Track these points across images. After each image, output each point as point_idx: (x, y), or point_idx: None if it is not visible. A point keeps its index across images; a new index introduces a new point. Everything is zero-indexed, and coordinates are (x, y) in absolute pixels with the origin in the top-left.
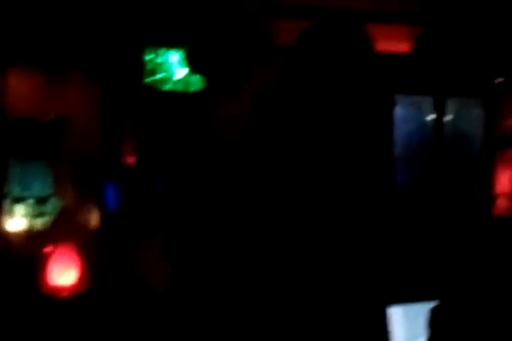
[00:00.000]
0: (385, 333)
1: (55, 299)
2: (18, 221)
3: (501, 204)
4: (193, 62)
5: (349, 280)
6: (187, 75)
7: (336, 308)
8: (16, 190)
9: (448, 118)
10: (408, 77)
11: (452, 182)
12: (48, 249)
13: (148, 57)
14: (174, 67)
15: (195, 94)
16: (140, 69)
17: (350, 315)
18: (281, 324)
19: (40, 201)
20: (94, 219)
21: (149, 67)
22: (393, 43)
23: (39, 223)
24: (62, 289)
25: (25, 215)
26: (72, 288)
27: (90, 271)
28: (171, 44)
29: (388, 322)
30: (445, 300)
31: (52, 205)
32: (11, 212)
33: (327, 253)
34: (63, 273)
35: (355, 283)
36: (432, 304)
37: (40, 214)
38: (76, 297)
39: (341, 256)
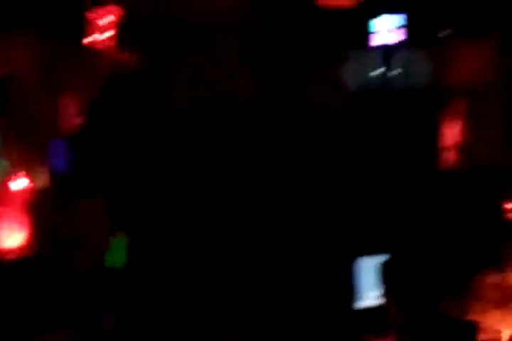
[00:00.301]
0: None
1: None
2: None
3: (448, 157)
4: None
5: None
6: None
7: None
8: None
9: (396, 71)
10: (356, 32)
11: (400, 135)
12: None
13: None
14: None
15: None
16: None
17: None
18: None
19: None
20: (41, 179)
21: None
22: None
23: None
24: (9, 251)
25: None
26: (19, 250)
27: (37, 233)
28: None
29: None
30: (395, 255)
31: (1, 166)
32: None
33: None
34: (10, 235)
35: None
36: (381, 258)
37: None
38: (23, 259)
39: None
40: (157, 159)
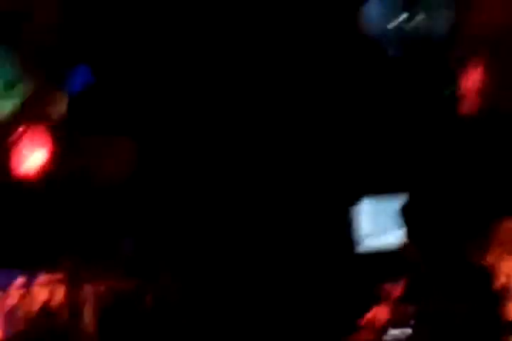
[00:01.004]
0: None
1: (25, 180)
2: None
3: (469, 102)
4: None
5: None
6: None
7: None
8: None
9: (419, 17)
10: None
11: (419, 80)
12: (17, 132)
13: None
14: None
15: None
16: None
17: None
18: None
19: (8, 85)
20: (60, 102)
21: None
22: None
23: (7, 107)
24: (32, 170)
25: None
26: (42, 169)
27: (58, 153)
28: None
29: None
30: (415, 196)
31: (20, 89)
32: None
33: None
34: (33, 155)
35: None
36: (398, 198)
37: (8, 98)
38: (44, 178)
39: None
40: None
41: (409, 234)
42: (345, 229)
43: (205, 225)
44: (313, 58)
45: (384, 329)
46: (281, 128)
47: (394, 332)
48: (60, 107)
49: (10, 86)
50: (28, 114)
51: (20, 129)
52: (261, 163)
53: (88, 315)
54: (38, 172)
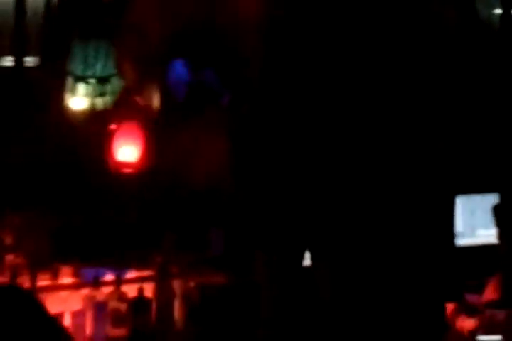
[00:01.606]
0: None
1: (119, 174)
2: (80, 100)
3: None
4: None
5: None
6: None
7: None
8: (78, 69)
9: None
10: None
11: None
12: (111, 127)
13: None
14: None
15: None
16: None
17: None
18: None
19: (102, 80)
20: (155, 99)
21: None
22: None
23: (101, 103)
24: (127, 165)
25: (87, 94)
26: (136, 164)
27: (152, 148)
28: None
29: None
30: (507, 195)
31: (114, 85)
32: (73, 91)
33: None
34: (127, 150)
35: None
36: (491, 196)
37: (102, 94)
38: (139, 173)
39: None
40: None
41: (503, 233)
42: (438, 227)
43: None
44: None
45: (472, 337)
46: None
47: (483, 338)
48: (154, 103)
49: (104, 82)
50: (121, 111)
51: (114, 126)
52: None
53: (177, 312)
54: (132, 167)
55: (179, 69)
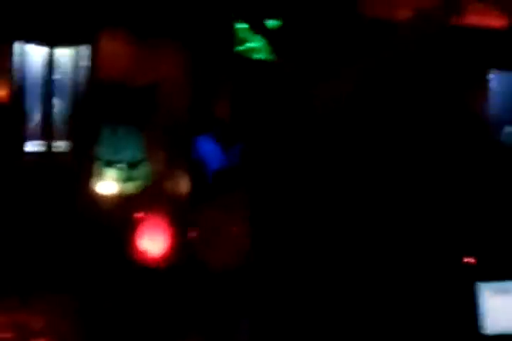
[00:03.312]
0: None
1: (145, 267)
2: (109, 185)
3: None
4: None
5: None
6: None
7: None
8: (107, 154)
9: None
10: (503, 53)
11: None
12: (139, 215)
13: (239, 26)
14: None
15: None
16: (231, 37)
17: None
18: None
19: (132, 166)
20: (184, 185)
21: (240, 35)
22: (488, 18)
23: (130, 188)
24: (153, 257)
25: (117, 179)
26: (163, 256)
27: (179, 239)
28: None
29: (477, 298)
30: None
31: (144, 170)
32: (102, 176)
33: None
34: (154, 241)
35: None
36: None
37: (131, 179)
38: (166, 266)
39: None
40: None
41: None
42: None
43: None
44: None
45: None
46: None
47: None
48: (182, 187)
49: (133, 167)
50: (150, 197)
51: (141, 215)
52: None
53: None
54: (158, 257)
55: (206, 144)
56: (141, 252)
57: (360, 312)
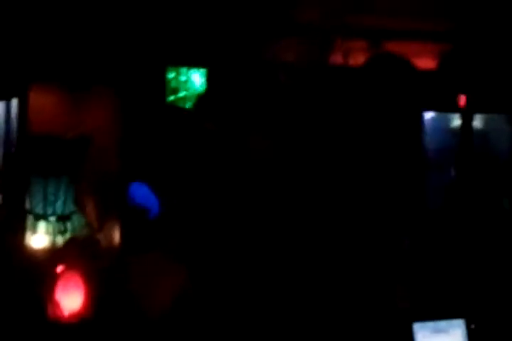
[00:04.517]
0: None
1: (60, 323)
2: (40, 238)
3: None
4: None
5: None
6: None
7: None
8: (38, 207)
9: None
10: (436, 94)
11: (480, 192)
12: (58, 269)
13: (170, 76)
14: (196, 85)
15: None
16: (163, 87)
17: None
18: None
19: (63, 218)
20: (116, 233)
21: (172, 85)
22: (421, 60)
23: (61, 240)
24: (69, 313)
25: (48, 232)
26: (79, 312)
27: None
28: (194, 63)
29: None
30: (482, 322)
31: (75, 223)
32: (33, 229)
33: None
34: (70, 298)
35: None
36: (456, 322)
37: (62, 232)
38: (81, 322)
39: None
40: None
41: None
42: None
43: None
44: None
45: None
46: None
47: None
48: (115, 237)
49: (64, 219)
50: (66, 255)
51: (59, 269)
52: None
53: None
54: (74, 313)
55: (140, 190)
56: (57, 307)
57: None
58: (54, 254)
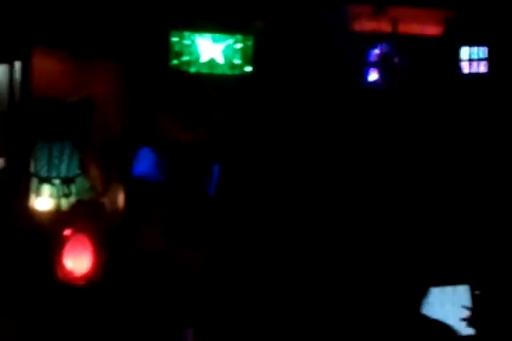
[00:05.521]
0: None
1: (69, 287)
2: (45, 201)
3: None
4: None
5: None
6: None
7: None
8: (42, 171)
9: None
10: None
11: None
12: (66, 233)
13: (174, 39)
14: (200, 49)
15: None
16: (166, 51)
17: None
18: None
19: (67, 181)
20: (120, 197)
21: (175, 49)
22: (426, 26)
23: (66, 203)
24: (77, 276)
25: (52, 195)
26: (87, 275)
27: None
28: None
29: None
30: (487, 288)
31: (79, 186)
32: (37, 192)
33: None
34: (79, 261)
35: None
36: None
37: (66, 195)
38: (90, 285)
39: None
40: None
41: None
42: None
43: None
44: None
45: None
46: None
47: None
48: (119, 201)
49: (68, 182)
50: (81, 213)
51: (67, 233)
52: None
53: None
54: (81, 279)
55: (147, 155)
56: (66, 271)
57: None
58: (61, 217)
